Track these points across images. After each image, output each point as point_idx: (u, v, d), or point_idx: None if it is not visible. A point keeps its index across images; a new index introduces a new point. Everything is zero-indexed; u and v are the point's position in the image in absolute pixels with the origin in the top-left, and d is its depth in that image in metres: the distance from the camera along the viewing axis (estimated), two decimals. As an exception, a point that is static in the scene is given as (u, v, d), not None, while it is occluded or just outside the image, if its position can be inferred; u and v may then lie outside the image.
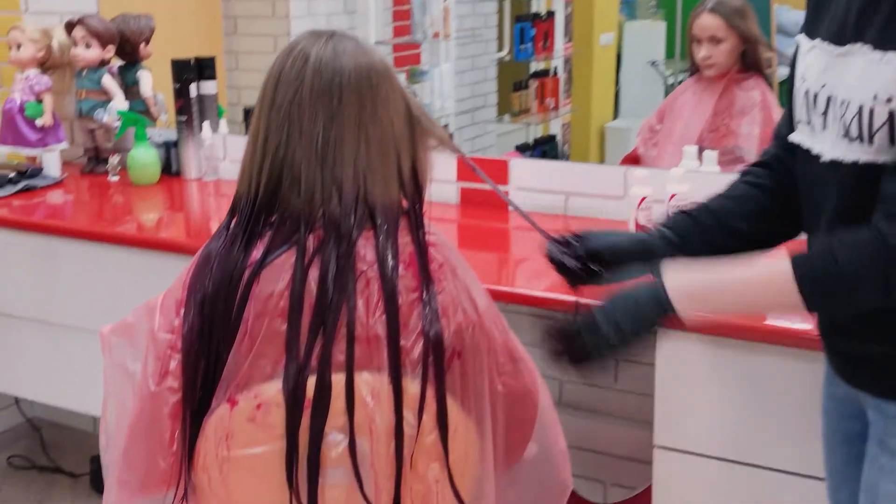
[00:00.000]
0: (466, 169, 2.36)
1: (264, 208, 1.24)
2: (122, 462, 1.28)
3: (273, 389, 1.20)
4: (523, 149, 3.57)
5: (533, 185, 2.31)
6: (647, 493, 1.84)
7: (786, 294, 1.15)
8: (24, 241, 2.33)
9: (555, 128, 3.73)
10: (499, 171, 2.33)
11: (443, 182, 2.40)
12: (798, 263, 1.15)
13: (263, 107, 1.25)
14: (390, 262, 1.22)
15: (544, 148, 3.65)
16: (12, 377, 2.47)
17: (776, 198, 1.34)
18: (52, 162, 2.68)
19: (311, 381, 1.19)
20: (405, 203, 1.28)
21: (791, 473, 1.60)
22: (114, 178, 2.68)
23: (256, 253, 1.23)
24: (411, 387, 1.22)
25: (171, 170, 2.71)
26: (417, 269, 1.24)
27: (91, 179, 2.73)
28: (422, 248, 1.25)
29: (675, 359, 1.66)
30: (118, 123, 2.65)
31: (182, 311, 1.24)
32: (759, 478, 1.63)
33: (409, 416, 1.22)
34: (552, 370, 1.30)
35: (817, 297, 1.16)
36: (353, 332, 1.20)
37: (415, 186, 1.28)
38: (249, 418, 1.21)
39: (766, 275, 1.18)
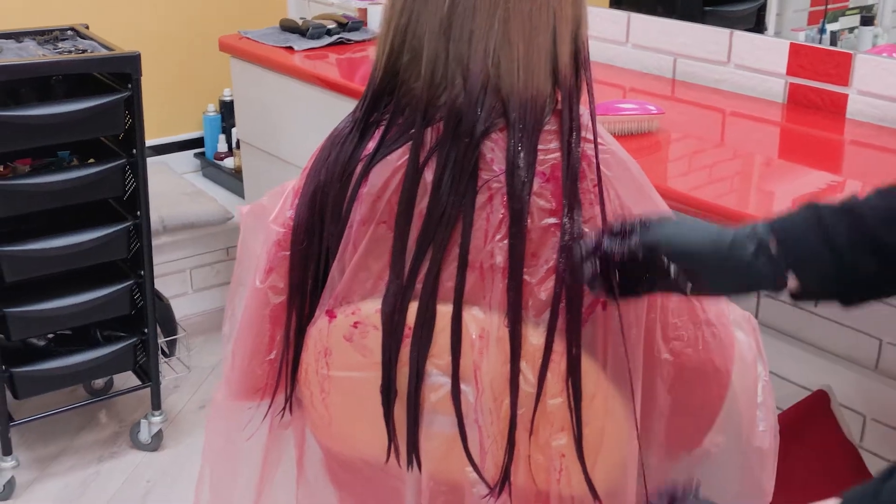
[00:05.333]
0: (800, 60, 1.89)
1: (385, 90, 1.02)
2: (230, 358, 1.16)
3: (371, 308, 1.01)
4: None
5: (882, 90, 1.79)
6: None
7: None
8: (310, 94, 2.29)
9: None
10: (837, 67, 1.84)
11: (767, 74, 1.96)
12: None
13: None
14: (522, 172, 0.94)
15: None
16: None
17: None
18: (376, 17, 2.61)
19: (414, 307, 0.98)
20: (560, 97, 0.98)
21: None
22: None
23: (371, 144, 1.01)
24: (533, 335, 0.96)
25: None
26: (561, 186, 0.95)
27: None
28: (572, 158, 0.95)
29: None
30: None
31: (296, 201, 1.07)
32: None
33: (527, 370, 0.96)
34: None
35: None
36: (466, 255, 0.95)
37: (574, 75, 0.97)
38: (346, 336, 1.04)
39: None
